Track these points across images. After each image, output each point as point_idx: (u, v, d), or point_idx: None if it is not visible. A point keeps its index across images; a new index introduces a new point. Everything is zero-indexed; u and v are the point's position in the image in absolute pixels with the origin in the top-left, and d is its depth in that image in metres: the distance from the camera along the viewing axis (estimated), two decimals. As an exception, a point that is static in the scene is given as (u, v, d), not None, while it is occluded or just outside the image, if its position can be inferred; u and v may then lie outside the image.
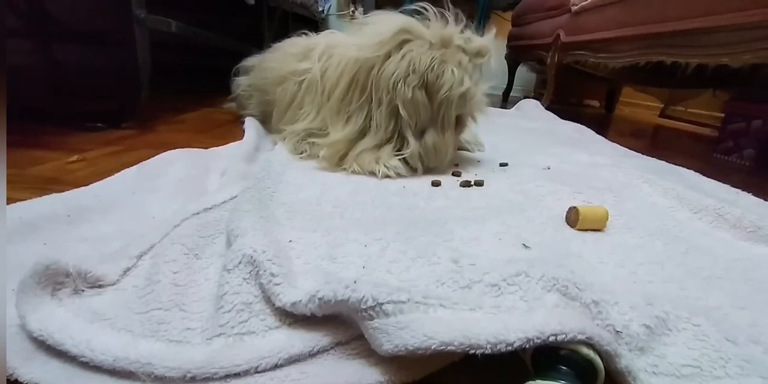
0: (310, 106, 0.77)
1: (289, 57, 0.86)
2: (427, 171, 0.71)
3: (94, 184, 0.57)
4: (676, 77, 1.50)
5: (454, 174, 0.71)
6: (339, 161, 0.70)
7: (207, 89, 1.72)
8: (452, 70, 0.66)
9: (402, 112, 0.66)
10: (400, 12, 0.71)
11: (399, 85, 0.65)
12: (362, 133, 0.70)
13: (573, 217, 0.53)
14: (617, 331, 0.32)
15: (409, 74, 0.65)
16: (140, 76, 0.95)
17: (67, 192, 0.52)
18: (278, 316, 0.33)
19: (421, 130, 0.69)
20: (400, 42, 0.67)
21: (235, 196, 0.52)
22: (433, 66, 0.65)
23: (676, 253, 0.47)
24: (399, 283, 0.36)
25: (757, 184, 0.92)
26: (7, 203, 0.47)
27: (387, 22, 0.69)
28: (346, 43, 0.74)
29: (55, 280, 0.33)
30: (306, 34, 0.92)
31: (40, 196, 0.50)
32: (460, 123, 0.73)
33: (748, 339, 0.33)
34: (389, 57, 0.66)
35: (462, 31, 0.69)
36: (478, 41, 0.69)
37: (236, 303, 0.33)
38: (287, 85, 0.82)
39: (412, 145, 0.68)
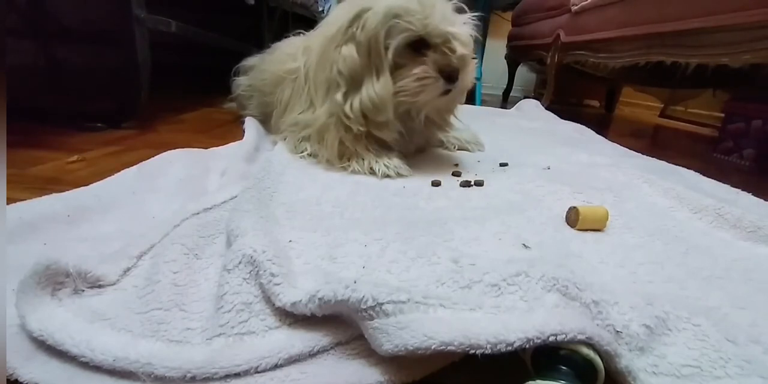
0: (302, 99, 0.78)
1: (285, 57, 0.87)
2: (427, 171, 0.71)
3: (94, 184, 0.57)
4: (676, 77, 1.50)
5: (454, 174, 0.71)
6: (340, 159, 0.70)
7: (207, 89, 1.72)
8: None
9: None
10: None
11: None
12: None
13: (573, 217, 0.53)
14: (617, 331, 0.32)
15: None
16: (140, 76, 0.95)
17: (67, 192, 0.52)
18: (278, 316, 0.33)
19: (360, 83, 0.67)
20: (358, 12, 0.65)
21: (235, 196, 0.52)
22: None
23: (676, 253, 0.47)
24: (399, 283, 0.36)
25: (757, 184, 0.92)
26: (7, 203, 0.47)
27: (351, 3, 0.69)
28: (320, 33, 0.74)
29: (55, 280, 0.33)
30: (302, 33, 0.92)
31: (40, 196, 0.50)
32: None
33: (748, 339, 0.33)
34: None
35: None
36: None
37: (236, 303, 0.33)
38: (285, 85, 0.83)
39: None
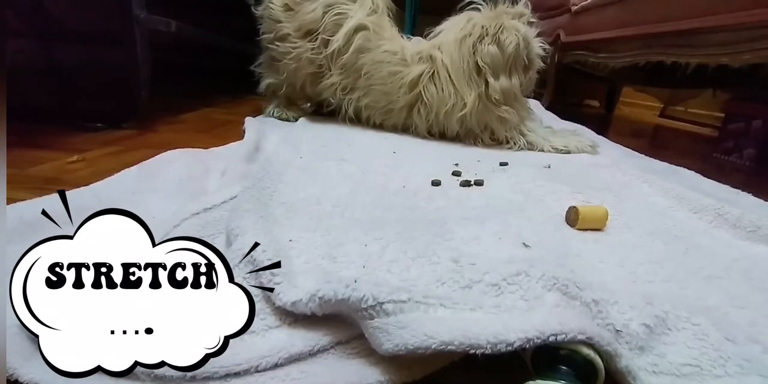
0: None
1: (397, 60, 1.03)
2: (427, 171, 0.71)
3: (94, 184, 0.56)
4: (676, 77, 1.49)
5: (454, 173, 0.71)
6: None
7: (207, 89, 1.72)
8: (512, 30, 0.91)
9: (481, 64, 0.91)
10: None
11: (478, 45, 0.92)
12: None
13: (573, 217, 0.53)
14: (617, 330, 0.32)
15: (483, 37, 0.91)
16: (140, 76, 0.95)
17: (67, 192, 0.52)
18: (278, 316, 0.33)
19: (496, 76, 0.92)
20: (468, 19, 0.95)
21: (235, 196, 0.52)
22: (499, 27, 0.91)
23: (676, 253, 0.47)
24: (399, 282, 0.36)
25: (757, 184, 0.92)
26: (7, 203, 0.47)
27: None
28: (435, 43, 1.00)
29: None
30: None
31: (40, 196, 0.50)
32: (530, 67, 0.97)
33: (748, 338, 0.33)
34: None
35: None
36: (517, 8, 0.96)
37: (236, 302, 0.33)
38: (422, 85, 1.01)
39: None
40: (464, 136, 1.01)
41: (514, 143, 0.98)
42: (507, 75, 0.93)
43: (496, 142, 1.00)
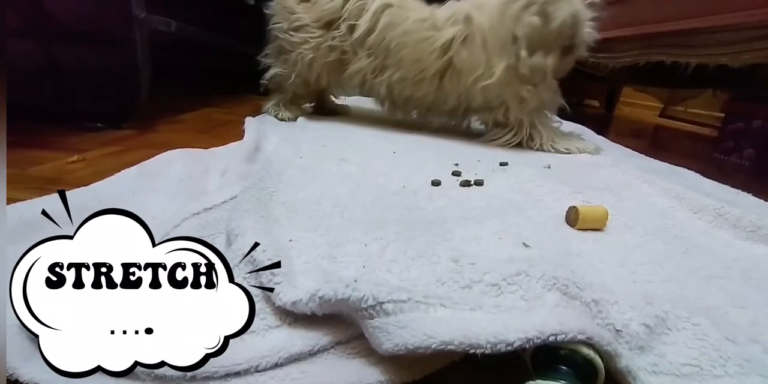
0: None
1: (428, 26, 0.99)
2: (427, 171, 0.71)
3: (94, 184, 0.56)
4: (676, 77, 1.50)
5: (454, 173, 0.71)
6: None
7: (207, 89, 1.72)
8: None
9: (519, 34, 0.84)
10: None
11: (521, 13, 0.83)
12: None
13: (573, 217, 0.53)
14: (617, 330, 0.32)
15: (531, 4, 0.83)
16: (140, 76, 0.95)
17: (67, 192, 0.52)
18: (278, 315, 0.33)
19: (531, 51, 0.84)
20: None
21: (235, 196, 0.52)
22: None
23: (676, 253, 0.47)
24: (399, 282, 0.36)
25: (757, 184, 0.92)
26: (7, 203, 0.47)
27: None
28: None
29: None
30: None
31: (40, 196, 0.50)
32: (571, 51, 0.90)
33: (748, 338, 0.33)
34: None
35: None
36: None
37: (236, 302, 0.33)
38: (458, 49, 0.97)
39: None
40: (482, 108, 0.96)
41: (518, 131, 0.94)
42: (543, 52, 0.85)
43: (501, 126, 0.97)
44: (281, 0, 1.04)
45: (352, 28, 0.97)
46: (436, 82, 0.96)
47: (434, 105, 1.01)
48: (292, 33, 1.02)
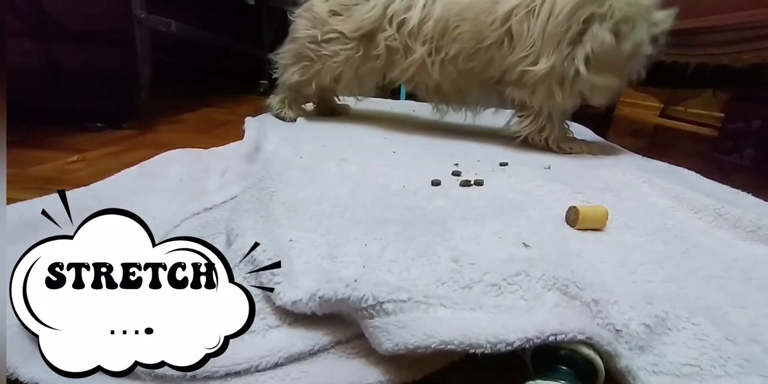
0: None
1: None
2: (427, 171, 0.71)
3: (94, 184, 0.57)
4: (676, 77, 1.49)
5: (454, 173, 0.71)
6: None
7: (207, 89, 1.72)
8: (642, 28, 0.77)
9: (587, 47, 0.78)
10: None
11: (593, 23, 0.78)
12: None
13: (573, 217, 0.53)
14: (617, 330, 0.32)
15: (606, 19, 0.77)
16: (140, 76, 0.95)
17: (67, 192, 0.52)
18: (278, 315, 0.33)
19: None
20: None
21: (235, 196, 0.52)
22: (628, 19, 0.77)
23: (676, 253, 0.47)
24: (399, 282, 0.36)
25: (757, 184, 0.92)
26: (7, 203, 0.47)
27: None
28: None
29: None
30: None
31: (40, 196, 0.50)
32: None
33: (748, 338, 0.33)
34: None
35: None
36: (660, 14, 0.82)
37: (236, 302, 0.33)
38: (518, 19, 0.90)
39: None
40: (514, 83, 0.91)
41: (536, 119, 0.92)
42: (611, 74, 0.80)
43: (524, 107, 0.95)
44: (314, 9, 1.01)
45: (401, 23, 0.93)
46: (491, 52, 0.91)
47: (478, 77, 0.97)
48: (323, 45, 0.99)
